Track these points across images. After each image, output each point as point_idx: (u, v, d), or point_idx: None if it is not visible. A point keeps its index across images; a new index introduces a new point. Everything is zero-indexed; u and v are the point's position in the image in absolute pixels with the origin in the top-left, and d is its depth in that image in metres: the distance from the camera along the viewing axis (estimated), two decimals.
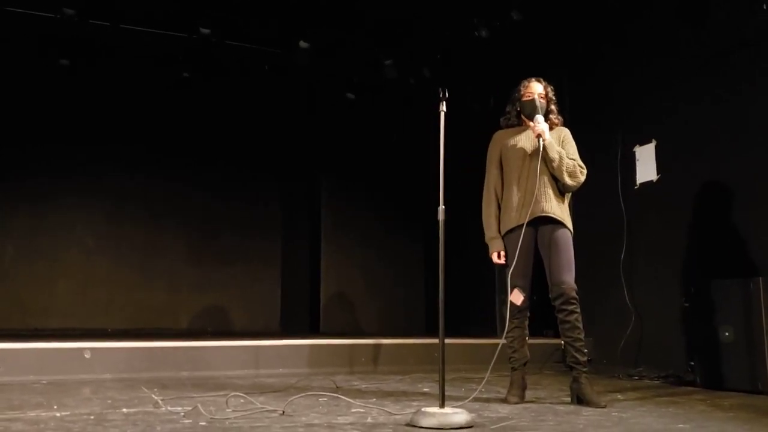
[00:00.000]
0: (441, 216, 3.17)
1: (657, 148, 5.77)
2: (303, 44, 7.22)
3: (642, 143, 5.90)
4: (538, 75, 4.08)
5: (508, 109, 4.04)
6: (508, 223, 3.83)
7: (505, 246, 3.86)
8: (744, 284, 4.39)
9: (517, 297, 3.77)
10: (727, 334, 4.42)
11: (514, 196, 3.82)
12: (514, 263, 3.67)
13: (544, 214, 3.74)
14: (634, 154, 5.98)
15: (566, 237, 3.77)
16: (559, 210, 3.77)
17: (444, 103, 3.26)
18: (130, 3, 6.79)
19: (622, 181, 6.05)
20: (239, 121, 8.52)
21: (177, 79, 7.70)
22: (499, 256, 3.88)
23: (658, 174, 5.74)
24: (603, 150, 6.17)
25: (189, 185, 8.41)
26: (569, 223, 3.80)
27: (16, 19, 6.80)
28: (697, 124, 5.36)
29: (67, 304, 7.77)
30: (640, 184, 5.91)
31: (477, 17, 6.94)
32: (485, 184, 4.02)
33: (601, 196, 6.13)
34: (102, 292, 7.92)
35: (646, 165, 5.85)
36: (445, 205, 3.18)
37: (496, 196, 3.95)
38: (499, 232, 3.88)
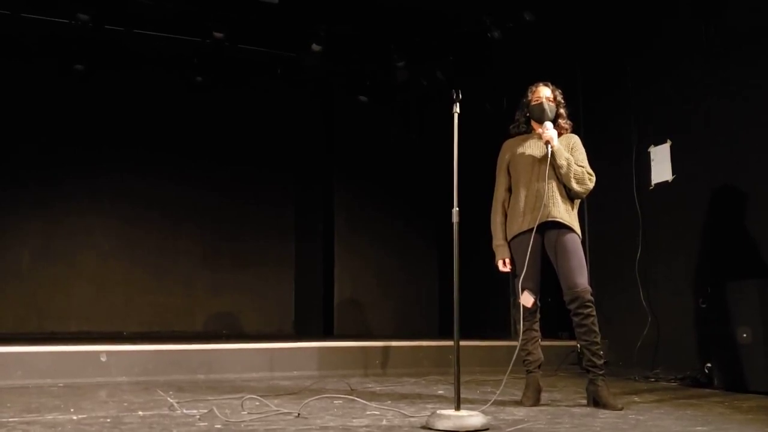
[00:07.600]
0: (455, 218, 3.16)
1: (672, 148, 5.73)
2: (315, 47, 7.24)
3: (657, 143, 5.86)
4: (553, 75, 4.04)
5: (517, 116, 4.00)
6: (515, 228, 3.81)
7: (511, 252, 3.85)
8: (761, 285, 4.34)
9: (527, 299, 3.76)
10: (744, 335, 4.37)
11: (522, 202, 3.80)
12: (525, 266, 3.65)
13: (551, 219, 3.71)
14: (649, 154, 5.94)
15: (574, 240, 3.74)
16: (567, 215, 3.75)
17: (457, 104, 3.24)
18: (144, 8, 6.83)
19: (637, 181, 6.00)
20: (253, 124, 8.56)
21: (191, 83, 7.75)
22: (504, 264, 3.88)
23: (673, 174, 5.70)
24: (618, 150, 6.14)
25: (203, 188, 8.47)
26: (577, 228, 3.78)
27: (32, 25, 6.87)
28: (712, 123, 5.31)
29: (83, 308, 7.83)
30: (656, 184, 5.87)
31: (490, 18, 6.92)
32: (494, 192, 4.00)
33: (616, 197, 6.09)
34: (118, 295, 7.98)
35: (661, 165, 5.80)
36: (459, 206, 3.17)
37: (503, 203, 3.94)
38: (506, 239, 3.88)
